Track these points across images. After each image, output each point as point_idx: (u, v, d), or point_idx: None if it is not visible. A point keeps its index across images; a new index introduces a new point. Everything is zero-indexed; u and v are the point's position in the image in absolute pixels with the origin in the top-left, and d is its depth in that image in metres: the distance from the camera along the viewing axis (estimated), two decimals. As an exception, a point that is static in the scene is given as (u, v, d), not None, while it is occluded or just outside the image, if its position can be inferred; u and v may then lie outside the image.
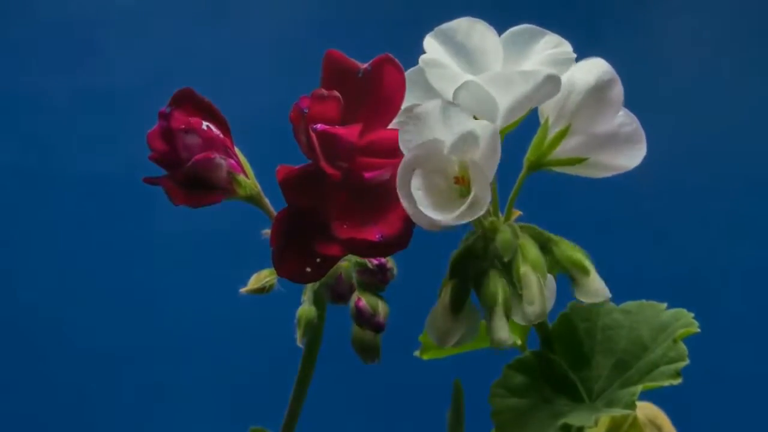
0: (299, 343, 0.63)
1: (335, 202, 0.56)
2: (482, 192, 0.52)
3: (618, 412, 0.56)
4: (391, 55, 0.58)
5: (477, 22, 0.57)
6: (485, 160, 0.53)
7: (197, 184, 0.58)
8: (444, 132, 0.53)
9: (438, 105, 0.54)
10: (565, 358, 0.61)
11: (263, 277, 0.62)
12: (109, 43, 1.46)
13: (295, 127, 0.57)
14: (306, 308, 0.63)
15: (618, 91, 0.57)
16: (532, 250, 0.56)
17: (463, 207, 0.52)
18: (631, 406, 0.56)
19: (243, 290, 0.62)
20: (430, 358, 0.73)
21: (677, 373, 0.58)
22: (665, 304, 0.62)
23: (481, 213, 0.53)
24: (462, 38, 0.57)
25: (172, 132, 0.59)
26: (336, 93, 0.57)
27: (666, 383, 0.57)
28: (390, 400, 1.36)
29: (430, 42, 0.57)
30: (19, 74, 1.45)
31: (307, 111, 0.56)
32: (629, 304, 0.63)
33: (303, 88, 0.57)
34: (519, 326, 0.71)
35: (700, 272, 1.34)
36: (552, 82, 0.54)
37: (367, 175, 0.56)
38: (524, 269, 0.56)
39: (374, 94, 0.57)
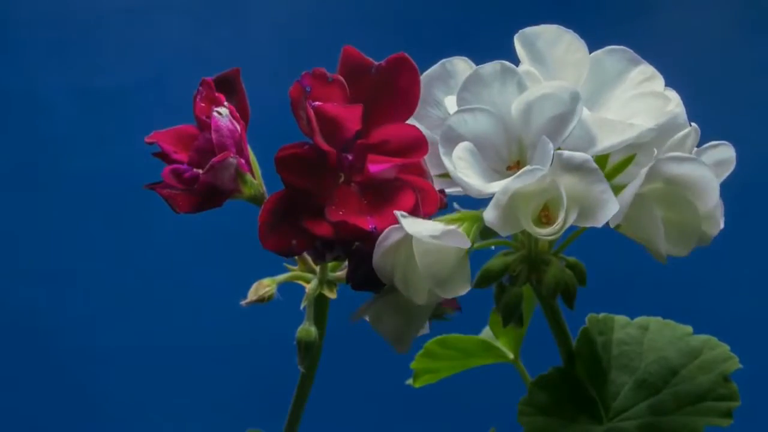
0: (300, 367, 0.62)
1: (334, 189, 0.55)
2: (543, 161, 0.50)
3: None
4: (406, 54, 0.58)
5: (566, 32, 0.55)
6: (556, 131, 0.51)
7: (209, 189, 0.58)
8: (508, 98, 0.52)
9: (498, 68, 0.53)
10: (586, 375, 0.60)
11: (263, 287, 0.61)
12: (110, 43, 1.46)
13: (294, 102, 0.56)
14: (306, 329, 0.62)
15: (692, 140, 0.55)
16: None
17: (513, 176, 0.50)
18: None
19: (243, 302, 0.61)
20: (422, 385, 0.72)
21: (729, 414, 0.57)
22: (690, 328, 0.61)
23: (532, 181, 0.50)
24: (543, 45, 0.55)
25: (198, 102, 0.58)
26: (340, 77, 0.57)
27: (719, 423, 0.57)
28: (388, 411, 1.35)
29: (515, 42, 0.55)
30: (19, 74, 1.45)
31: (309, 89, 0.55)
32: (645, 320, 0.62)
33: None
34: (511, 340, 0.70)
35: (698, 275, 1.33)
36: (650, 134, 0.53)
37: (372, 168, 0.55)
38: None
39: (389, 91, 0.57)
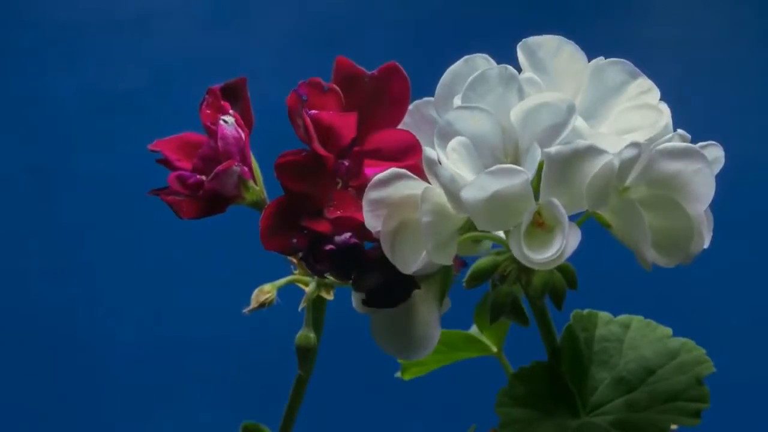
0: (300, 371, 0.64)
1: (332, 193, 0.57)
2: (530, 167, 0.51)
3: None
4: (397, 64, 0.59)
5: (567, 43, 0.56)
6: (550, 139, 0.51)
7: (213, 196, 0.59)
8: (509, 103, 0.53)
9: (503, 72, 0.53)
10: (567, 370, 0.61)
11: (264, 293, 0.62)
12: (119, 48, 1.46)
13: (291, 111, 0.57)
14: (305, 335, 0.63)
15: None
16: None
17: (490, 169, 0.50)
18: None
19: (246, 310, 0.62)
20: (411, 378, 0.73)
21: (698, 414, 0.58)
22: (670, 330, 0.62)
23: (518, 181, 0.50)
24: (545, 55, 0.55)
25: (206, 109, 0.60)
26: (335, 86, 0.58)
27: (688, 422, 0.58)
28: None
29: (518, 51, 0.56)
30: (32, 78, 1.46)
31: (305, 98, 0.57)
32: (626, 318, 0.63)
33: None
34: (494, 334, 0.71)
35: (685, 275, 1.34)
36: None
37: (368, 172, 0.56)
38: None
39: (381, 99, 0.59)
